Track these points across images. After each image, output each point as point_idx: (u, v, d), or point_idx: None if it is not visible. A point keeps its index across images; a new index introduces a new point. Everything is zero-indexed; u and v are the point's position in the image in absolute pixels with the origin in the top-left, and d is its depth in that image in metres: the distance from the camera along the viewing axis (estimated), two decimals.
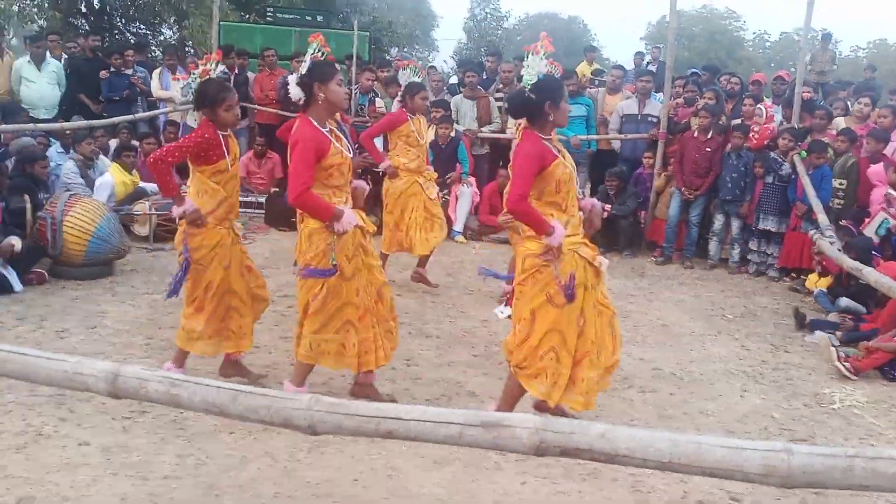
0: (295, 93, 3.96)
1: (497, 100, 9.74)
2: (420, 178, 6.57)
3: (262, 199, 9.11)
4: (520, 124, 3.87)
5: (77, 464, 3.44)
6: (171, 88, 10.08)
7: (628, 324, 6.17)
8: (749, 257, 8.20)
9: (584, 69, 12.62)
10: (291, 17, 13.28)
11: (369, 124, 9.04)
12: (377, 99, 9.57)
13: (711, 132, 8.18)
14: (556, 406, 3.90)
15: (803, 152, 7.60)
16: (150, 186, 8.22)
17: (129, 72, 10.16)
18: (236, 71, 10.18)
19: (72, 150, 8.02)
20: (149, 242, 7.63)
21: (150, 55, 11.27)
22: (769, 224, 7.88)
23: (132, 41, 15.61)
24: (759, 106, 8.32)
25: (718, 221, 8.30)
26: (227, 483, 3.37)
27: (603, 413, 4.29)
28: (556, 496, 3.43)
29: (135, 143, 8.65)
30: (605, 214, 8.39)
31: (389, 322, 4.25)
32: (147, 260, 7.18)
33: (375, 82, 9.89)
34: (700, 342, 5.85)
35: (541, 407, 3.97)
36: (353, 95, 9.49)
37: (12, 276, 5.89)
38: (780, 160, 7.75)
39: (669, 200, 8.45)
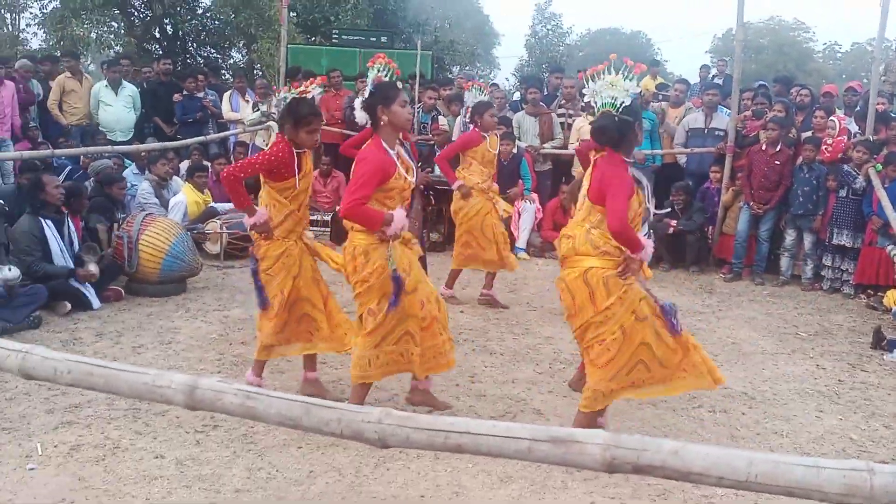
0: (360, 117, 4.05)
1: (559, 116, 9.71)
2: (490, 195, 6.62)
3: (328, 217, 9.26)
4: (597, 151, 3.87)
5: (153, 476, 3.54)
6: (240, 110, 10.37)
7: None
8: (823, 273, 7.96)
9: (647, 84, 12.48)
10: (356, 38, 13.54)
11: (433, 142, 9.15)
12: (440, 117, 9.65)
13: (780, 145, 7.99)
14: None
15: (878, 165, 7.36)
16: (221, 206, 8.45)
17: (201, 95, 10.49)
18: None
19: (147, 171, 8.32)
20: (220, 260, 7.84)
21: (221, 79, 11.59)
22: (843, 239, 7.65)
23: (203, 65, 16.12)
24: (832, 118, 8.10)
25: (790, 236, 8.09)
26: (296, 496, 3.42)
27: (672, 433, 4.21)
28: None
29: (206, 163, 8.91)
30: (671, 230, 8.31)
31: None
32: (218, 277, 7.37)
33: (438, 100, 9.98)
34: (772, 361, 5.70)
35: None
36: (415, 114, 9.60)
37: (90, 294, 6.11)
38: (854, 173, 7.52)
39: (738, 215, 8.28)
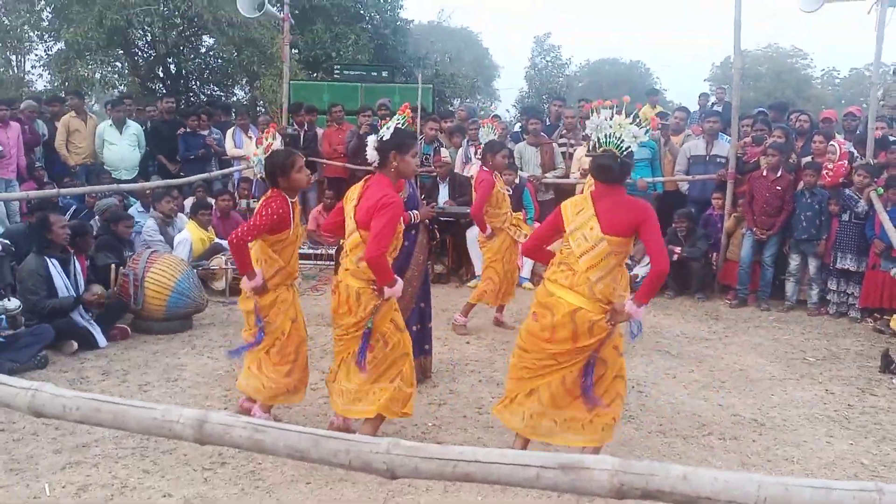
0: (371, 155, 4.09)
1: (560, 146, 9.78)
2: (508, 227, 6.77)
3: (332, 251, 9.29)
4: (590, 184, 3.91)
5: None
6: (244, 147, 10.46)
7: (703, 368, 6.03)
8: (828, 297, 7.95)
9: (646, 112, 12.57)
10: (357, 73, 13.66)
11: (435, 174, 9.23)
12: (442, 149, 9.72)
13: (781, 171, 8.03)
14: None
15: (880, 189, 7.39)
16: (226, 242, 8.49)
17: (206, 133, 10.59)
18: (305, 127, 10.52)
19: (152, 209, 8.37)
20: (225, 296, 7.85)
21: (226, 116, 11.69)
22: (847, 263, 7.65)
23: (208, 103, 16.30)
24: (832, 143, 8.15)
25: (794, 261, 8.09)
26: None
27: (682, 461, 4.18)
28: None
29: (210, 200, 8.97)
30: (676, 257, 8.31)
31: None
32: (224, 313, 7.38)
33: (440, 132, 10.07)
34: (781, 386, 5.67)
35: None
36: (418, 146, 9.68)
37: (97, 332, 6.12)
38: (856, 197, 7.55)
39: (741, 241, 8.29)
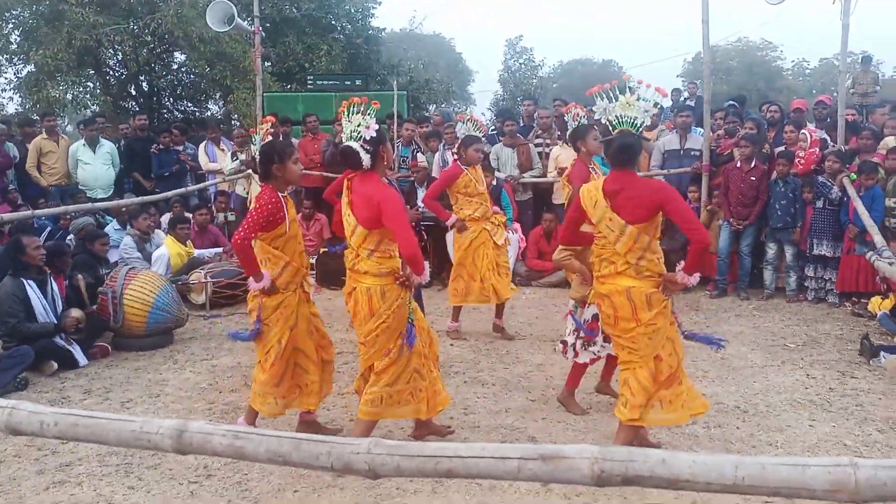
0: (366, 159, 4.07)
1: (536, 146, 9.83)
2: (487, 225, 6.64)
3: (313, 260, 9.27)
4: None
5: None
6: (217, 160, 10.42)
7: (687, 359, 6.02)
8: (806, 284, 8.04)
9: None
10: (331, 83, 13.65)
11: (412, 178, 9.23)
12: (419, 154, 9.73)
13: (755, 161, 8.11)
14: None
15: (853, 174, 7.48)
16: (205, 253, 8.47)
17: (181, 148, 10.54)
18: (280, 138, 10.48)
19: (128, 226, 8.31)
20: (205, 310, 7.81)
21: (201, 132, 11.60)
22: (823, 249, 7.74)
23: (182, 120, 16.22)
24: (802, 131, 8.24)
25: (771, 250, 8.17)
26: None
27: (667, 449, 4.20)
28: None
29: (188, 215, 8.93)
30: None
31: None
32: (205, 327, 7.34)
33: (416, 134, 10.08)
34: (763, 373, 5.72)
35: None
36: (395, 149, 9.68)
37: (77, 351, 6.07)
38: (829, 184, 7.63)
39: (718, 233, 8.36)
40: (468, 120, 7.37)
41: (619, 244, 3.86)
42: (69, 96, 16.81)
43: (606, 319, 4.05)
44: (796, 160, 8.05)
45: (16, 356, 5.62)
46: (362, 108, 4.12)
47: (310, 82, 14.09)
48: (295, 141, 10.71)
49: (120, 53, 17.53)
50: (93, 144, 9.98)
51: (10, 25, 16.64)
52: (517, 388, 5.45)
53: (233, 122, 17.71)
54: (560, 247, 4.59)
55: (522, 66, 35.74)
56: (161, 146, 10.38)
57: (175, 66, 19.13)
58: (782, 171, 7.98)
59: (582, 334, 4.70)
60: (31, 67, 16.71)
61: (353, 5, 21.04)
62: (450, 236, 8.48)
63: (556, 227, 8.71)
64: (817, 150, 8.00)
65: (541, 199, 9.69)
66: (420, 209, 8.36)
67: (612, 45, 74.42)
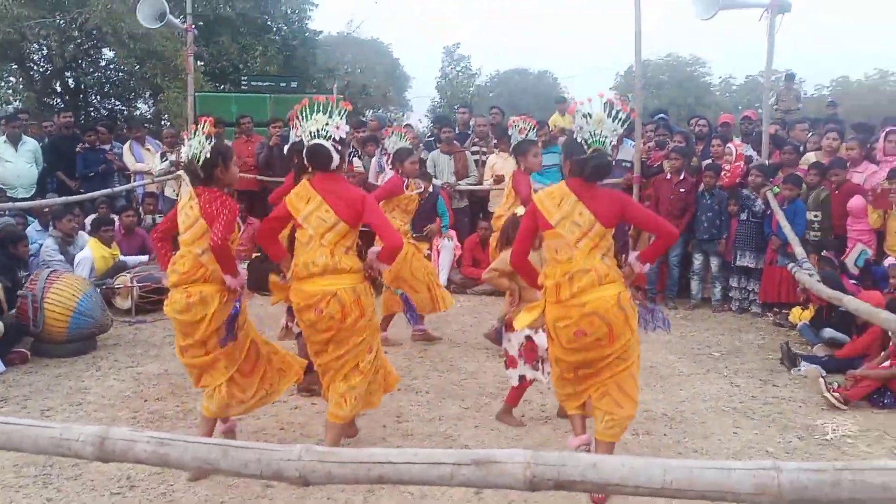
0: (336, 159, 4.09)
1: (473, 153, 9.88)
2: (410, 239, 6.66)
3: (244, 265, 9.08)
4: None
5: None
6: (144, 160, 10.15)
7: None
8: (731, 294, 8.27)
9: (556, 120, 12.85)
10: (266, 84, 13.47)
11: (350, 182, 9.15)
12: (355, 158, 9.67)
13: (684, 173, 8.32)
14: None
15: (776, 188, 7.74)
16: (131, 259, 8.21)
17: (107, 147, 10.23)
18: (212, 140, 10.27)
19: (51, 228, 8.02)
20: (131, 315, 7.59)
21: (131, 131, 11.27)
22: (747, 260, 7.98)
23: (108, 117, 15.78)
24: (728, 145, 8.50)
25: (697, 261, 8.39)
26: None
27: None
28: None
29: (113, 216, 8.66)
30: None
31: None
32: (130, 333, 7.12)
33: (353, 140, 10.01)
34: (689, 382, 5.85)
35: None
36: None
37: None
38: (753, 197, 7.87)
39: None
40: (393, 133, 7.30)
41: (582, 242, 3.69)
42: None
43: (596, 343, 3.71)
44: (722, 173, 8.29)
45: None
46: (328, 108, 4.09)
47: (244, 83, 13.88)
48: (228, 143, 10.54)
49: (45, 48, 16.98)
50: (15, 142, 9.61)
51: None
52: (451, 395, 5.44)
53: (163, 121, 17.32)
54: (490, 266, 4.75)
55: (460, 73, 35.91)
56: (87, 145, 10.04)
57: (103, 63, 18.62)
58: (709, 183, 8.20)
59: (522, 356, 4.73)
60: None
61: (290, 6, 20.84)
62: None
63: (490, 236, 8.75)
64: (742, 163, 8.26)
65: (477, 206, 9.74)
66: None
67: (548, 56, 75.46)
